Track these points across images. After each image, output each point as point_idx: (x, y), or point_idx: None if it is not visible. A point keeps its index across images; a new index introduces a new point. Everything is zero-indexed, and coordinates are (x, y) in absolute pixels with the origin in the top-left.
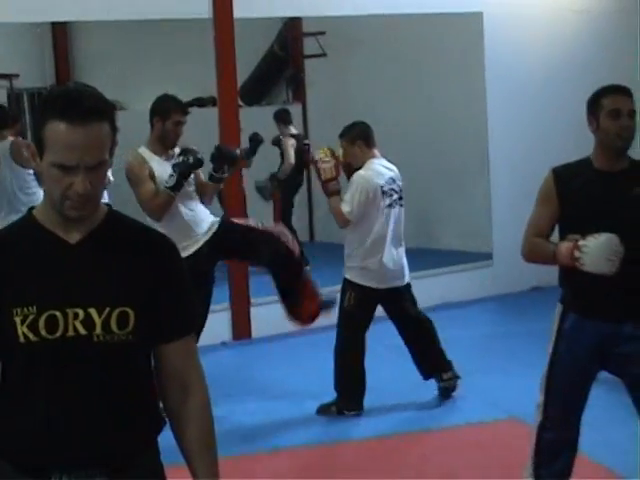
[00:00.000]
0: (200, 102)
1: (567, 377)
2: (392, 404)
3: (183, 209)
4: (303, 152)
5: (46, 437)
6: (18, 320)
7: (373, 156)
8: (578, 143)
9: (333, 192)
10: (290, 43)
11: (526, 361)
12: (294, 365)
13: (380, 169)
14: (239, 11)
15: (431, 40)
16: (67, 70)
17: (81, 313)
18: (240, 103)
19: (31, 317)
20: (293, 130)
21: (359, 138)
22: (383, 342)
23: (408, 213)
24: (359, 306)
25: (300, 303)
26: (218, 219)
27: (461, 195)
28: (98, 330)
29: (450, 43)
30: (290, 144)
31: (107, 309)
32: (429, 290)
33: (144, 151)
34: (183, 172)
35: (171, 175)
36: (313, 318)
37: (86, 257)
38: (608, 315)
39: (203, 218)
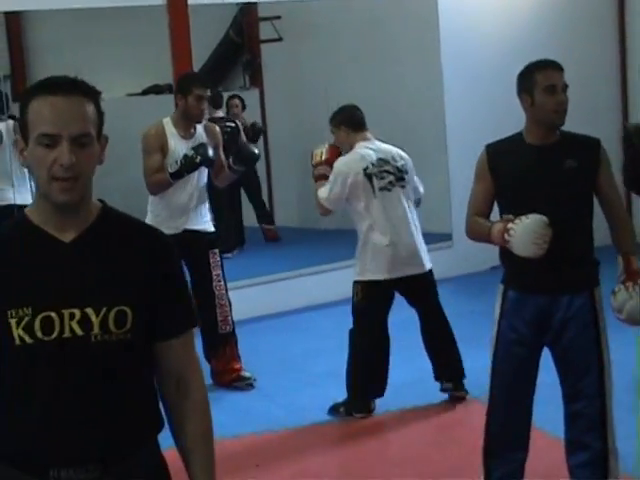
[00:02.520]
0: (157, 89)
1: (511, 355)
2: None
3: (181, 194)
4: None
5: (45, 437)
6: (13, 322)
7: (363, 139)
8: None
9: (317, 177)
10: (246, 28)
11: (487, 341)
12: (253, 352)
13: (364, 152)
14: None
15: (386, 21)
16: (22, 59)
17: (77, 313)
18: None
19: (26, 319)
20: (219, 113)
21: (343, 122)
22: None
23: None
24: (367, 301)
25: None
26: (212, 232)
27: (419, 175)
28: (96, 330)
29: (405, 23)
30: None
31: (104, 308)
32: None
33: (167, 122)
34: (187, 168)
35: (177, 161)
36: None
37: (81, 256)
38: (546, 289)
39: (197, 217)
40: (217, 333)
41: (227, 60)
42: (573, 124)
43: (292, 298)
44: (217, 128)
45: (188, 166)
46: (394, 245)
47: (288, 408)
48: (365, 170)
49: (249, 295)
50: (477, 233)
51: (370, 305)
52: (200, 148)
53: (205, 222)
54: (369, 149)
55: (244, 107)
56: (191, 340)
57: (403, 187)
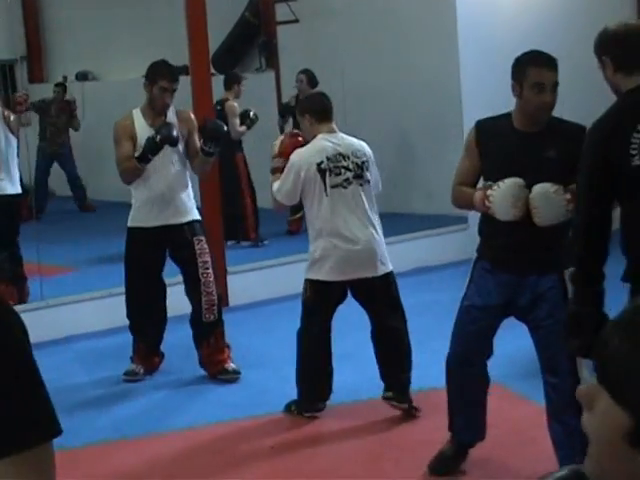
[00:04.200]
0: None
1: (473, 317)
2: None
3: (157, 182)
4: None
5: None
6: None
7: (327, 130)
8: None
9: (272, 169)
10: (262, 10)
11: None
12: (271, 332)
13: (322, 145)
14: None
15: (403, 5)
16: (38, 41)
17: None
18: (213, 71)
19: None
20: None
21: (307, 111)
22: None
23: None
24: (315, 300)
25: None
26: (196, 220)
27: (435, 158)
28: None
29: (422, 7)
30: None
31: None
32: (404, 255)
33: (136, 112)
34: (149, 149)
35: (141, 146)
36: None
37: None
38: (514, 268)
39: (178, 207)
40: (201, 321)
41: (243, 42)
42: (592, 109)
43: None
44: (191, 114)
45: (151, 147)
46: (343, 247)
47: None
48: (319, 165)
49: (266, 277)
50: (461, 200)
51: (317, 304)
52: (162, 128)
53: (187, 211)
54: (329, 142)
55: (312, 83)
56: (27, 464)
57: (361, 185)
